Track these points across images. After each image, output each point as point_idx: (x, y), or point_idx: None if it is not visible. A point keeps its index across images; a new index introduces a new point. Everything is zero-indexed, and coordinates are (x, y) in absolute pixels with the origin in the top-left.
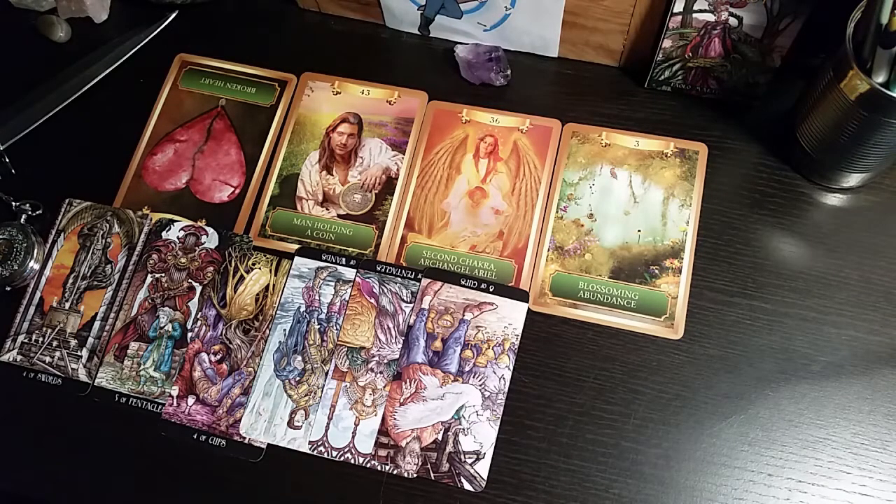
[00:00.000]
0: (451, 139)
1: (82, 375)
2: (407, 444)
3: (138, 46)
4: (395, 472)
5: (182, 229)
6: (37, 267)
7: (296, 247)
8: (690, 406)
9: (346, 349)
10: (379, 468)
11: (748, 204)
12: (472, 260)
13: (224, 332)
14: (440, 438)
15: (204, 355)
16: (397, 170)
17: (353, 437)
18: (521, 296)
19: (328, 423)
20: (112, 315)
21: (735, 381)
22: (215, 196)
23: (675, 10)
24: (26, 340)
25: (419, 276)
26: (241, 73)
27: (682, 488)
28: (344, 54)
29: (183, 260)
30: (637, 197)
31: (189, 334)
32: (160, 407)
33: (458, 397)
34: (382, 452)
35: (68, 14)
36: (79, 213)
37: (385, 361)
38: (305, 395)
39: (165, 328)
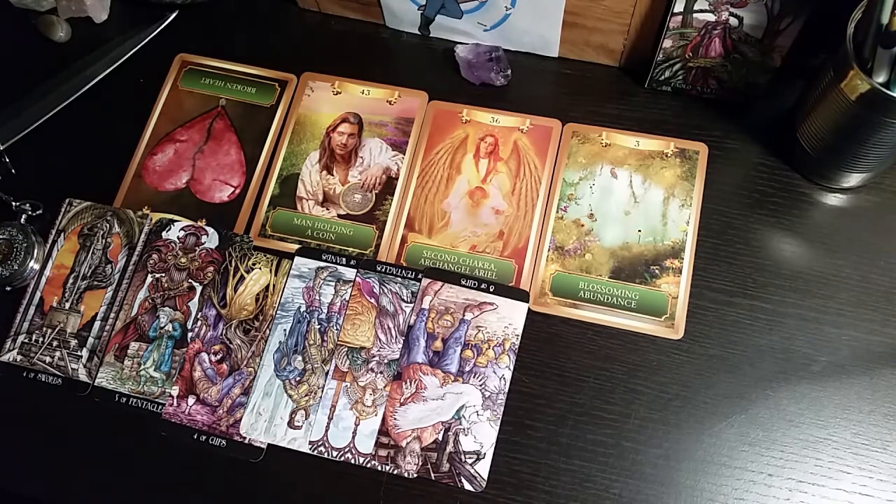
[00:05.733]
0: (451, 139)
1: (82, 375)
2: (407, 444)
3: (138, 46)
4: (395, 472)
5: (182, 229)
6: (37, 267)
7: (296, 247)
8: (690, 406)
9: (346, 349)
10: (379, 468)
11: (748, 204)
12: (472, 260)
13: (224, 332)
14: (440, 438)
15: (204, 355)
16: (397, 170)
17: (353, 437)
18: (522, 296)
19: (328, 423)
20: (112, 315)
21: (735, 381)
22: (215, 196)
23: (676, 10)
24: (26, 340)
25: (419, 276)
26: (241, 73)
27: (683, 488)
28: (344, 54)
29: (183, 260)
30: (637, 197)
31: (189, 334)
32: (160, 407)
33: (458, 397)
34: (383, 452)
35: (68, 14)
36: (79, 213)
37: (385, 361)
38: (306, 395)
39: (165, 328)
